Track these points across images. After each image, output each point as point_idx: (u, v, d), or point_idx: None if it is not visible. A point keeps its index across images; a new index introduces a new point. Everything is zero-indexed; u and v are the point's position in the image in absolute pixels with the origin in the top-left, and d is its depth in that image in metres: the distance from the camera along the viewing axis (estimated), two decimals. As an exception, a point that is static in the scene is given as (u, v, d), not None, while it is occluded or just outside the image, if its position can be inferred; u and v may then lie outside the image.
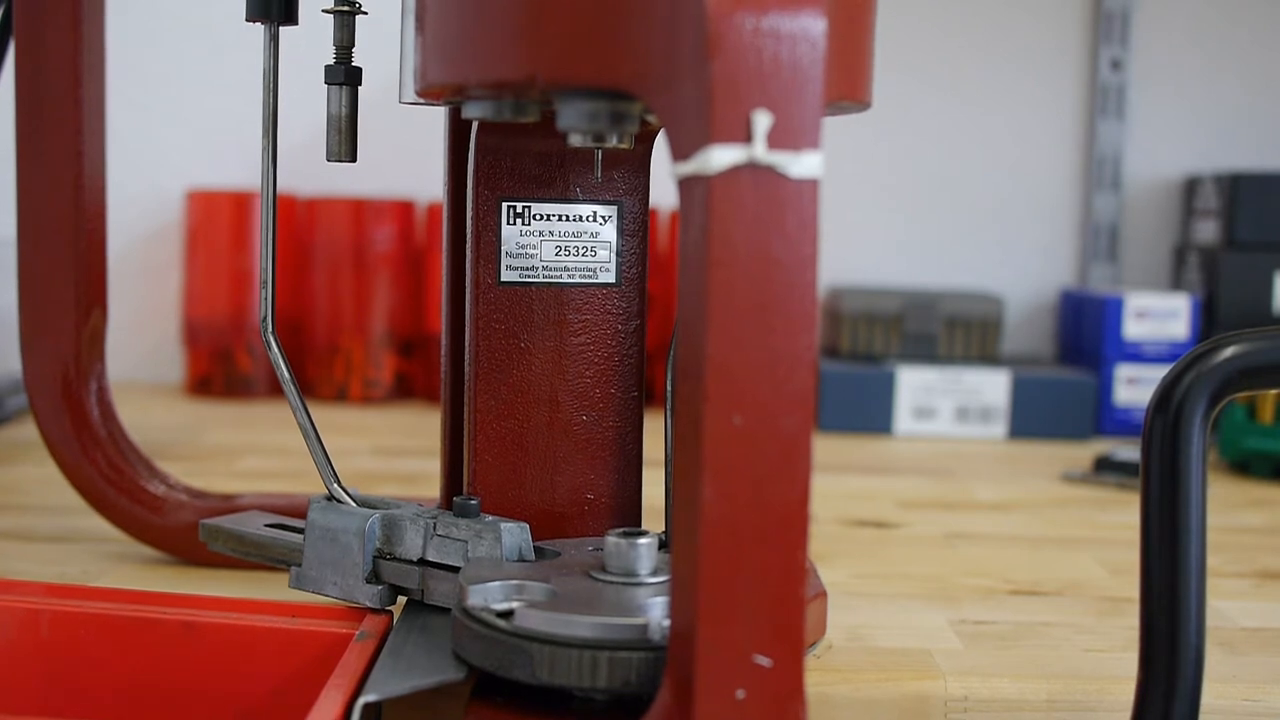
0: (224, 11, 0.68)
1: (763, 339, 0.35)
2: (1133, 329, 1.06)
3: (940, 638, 0.55)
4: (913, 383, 1.05)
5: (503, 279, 0.49)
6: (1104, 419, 1.07)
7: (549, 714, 0.41)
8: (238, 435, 0.96)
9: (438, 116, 0.51)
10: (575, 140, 0.42)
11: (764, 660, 0.35)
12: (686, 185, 0.35)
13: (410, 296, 1.13)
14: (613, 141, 0.41)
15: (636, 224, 0.50)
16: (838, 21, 0.39)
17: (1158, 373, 1.06)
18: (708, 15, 0.34)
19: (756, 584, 0.35)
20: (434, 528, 0.47)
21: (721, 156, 0.34)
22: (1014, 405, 1.05)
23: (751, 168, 0.34)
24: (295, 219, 1.13)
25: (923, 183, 1.19)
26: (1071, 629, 0.57)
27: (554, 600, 0.41)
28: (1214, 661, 0.53)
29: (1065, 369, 1.10)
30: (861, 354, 1.10)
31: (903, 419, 1.05)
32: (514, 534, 0.46)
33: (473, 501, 0.47)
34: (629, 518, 0.51)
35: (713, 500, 0.35)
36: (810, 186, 0.35)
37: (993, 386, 1.05)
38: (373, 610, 0.48)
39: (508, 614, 0.41)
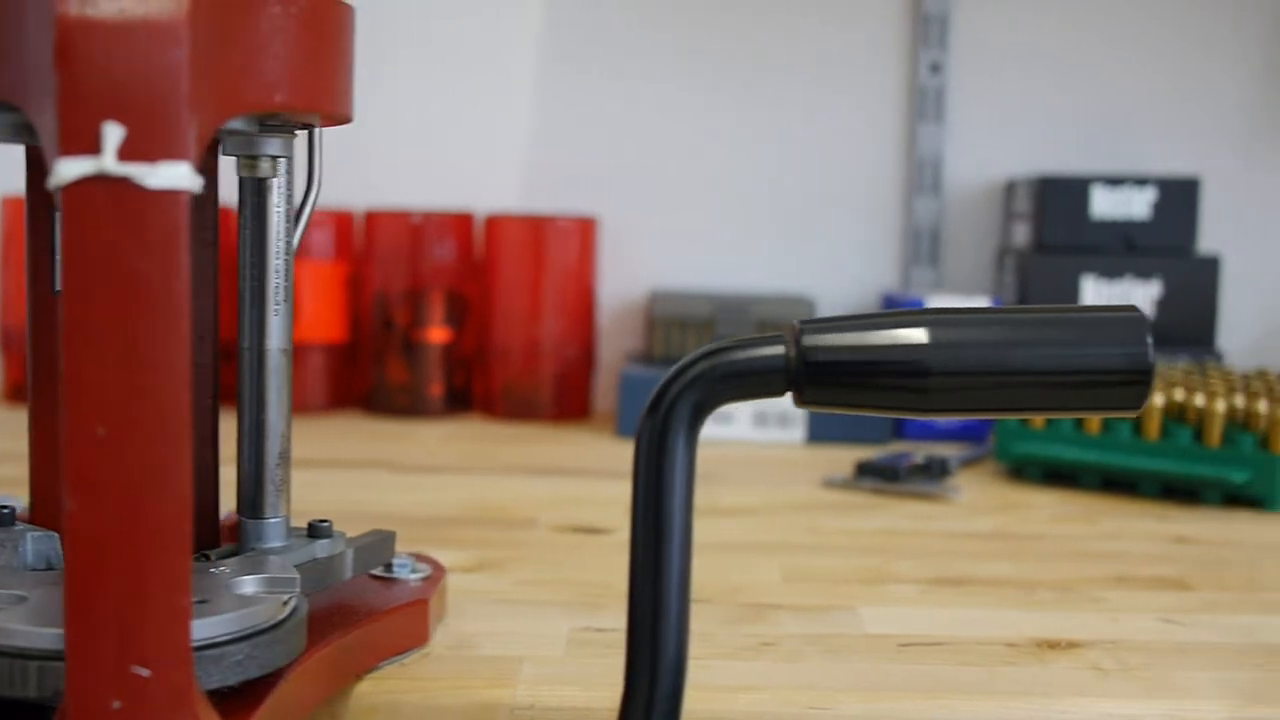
0: None
1: (126, 351, 0.35)
2: (934, 333, 1.06)
3: (548, 645, 0.55)
4: (710, 387, 1.04)
5: (59, 288, 0.49)
6: (906, 423, 1.07)
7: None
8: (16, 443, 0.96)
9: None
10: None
11: (143, 671, 0.35)
12: (54, 198, 0.35)
13: (229, 301, 1.13)
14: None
15: (209, 233, 0.50)
16: (270, 30, 0.39)
17: (958, 376, 1.06)
18: (57, 24, 0.34)
19: (131, 596, 0.35)
20: (-32, 537, 0.47)
21: (71, 168, 0.34)
22: (812, 409, 1.04)
23: (103, 180, 0.34)
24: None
25: (744, 187, 1.19)
26: (694, 636, 0.57)
27: (16, 610, 0.41)
28: (805, 666, 0.53)
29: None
30: (674, 359, 1.10)
31: (701, 423, 1.04)
32: (40, 542, 0.46)
33: (5, 510, 0.47)
34: (206, 530, 0.51)
35: (78, 512, 0.35)
36: (173, 197, 0.35)
37: (790, 391, 1.04)
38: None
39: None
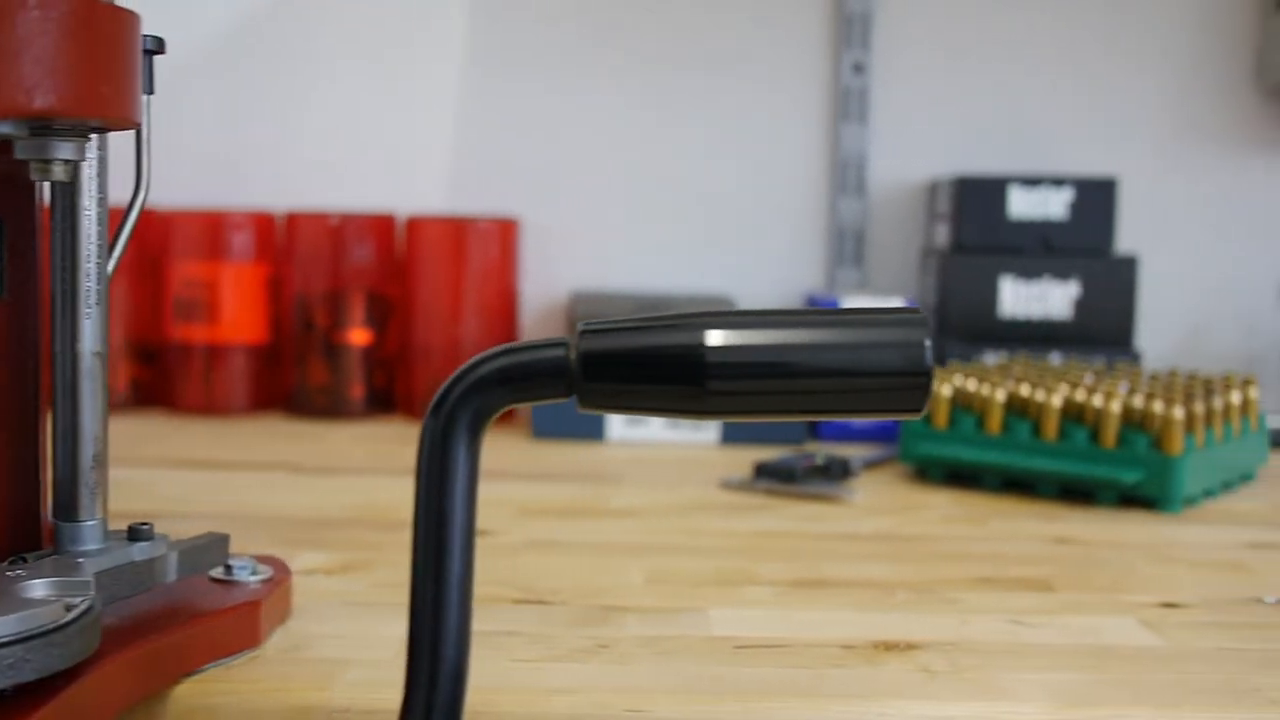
0: None
1: None
2: (849, 333, 1.05)
3: (382, 648, 0.55)
4: (624, 388, 1.04)
5: None
6: (822, 423, 1.07)
7: None
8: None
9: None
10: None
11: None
12: None
13: (150, 303, 1.13)
14: None
15: (26, 240, 0.50)
16: (27, 34, 0.39)
17: (873, 377, 1.06)
18: None
19: None
20: None
21: None
22: (726, 410, 1.04)
23: None
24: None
25: (669, 187, 1.19)
26: (530, 638, 0.57)
27: None
28: (633, 669, 0.53)
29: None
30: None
31: (615, 425, 1.04)
32: None
33: None
34: (27, 534, 0.51)
35: None
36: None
37: (704, 392, 1.04)
38: None
39: None
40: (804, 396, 0.42)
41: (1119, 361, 1.06)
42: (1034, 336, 1.09)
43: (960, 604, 0.63)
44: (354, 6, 1.20)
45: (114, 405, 1.12)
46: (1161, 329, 1.17)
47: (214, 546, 0.55)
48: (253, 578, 0.57)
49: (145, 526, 0.51)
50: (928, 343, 0.42)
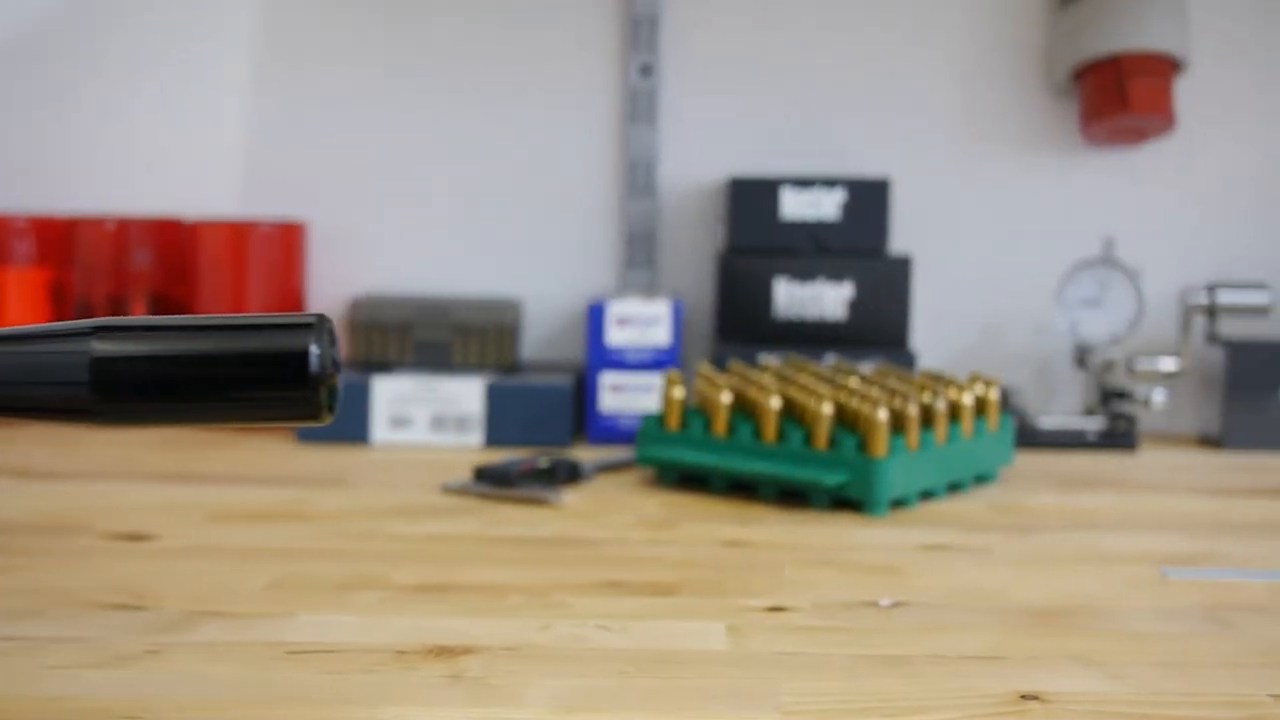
0: None
1: None
2: (615, 336, 1.06)
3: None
4: (388, 392, 1.04)
5: None
6: (592, 426, 1.06)
7: None
8: None
9: None
10: None
11: None
12: None
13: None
14: None
15: None
16: None
17: (640, 380, 1.06)
18: None
19: None
20: None
21: None
22: (490, 413, 1.04)
23: None
24: None
25: (461, 190, 1.19)
26: (85, 645, 0.57)
27: None
28: (163, 675, 0.53)
29: (557, 376, 1.08)
30: (375, 363, 1.10)
31: (379, 428, 1.04)
32: None
33: None
34: None
35: None
36: None
37: (468, 395, 1.04)
38: None
39: None
40: (194, 408, 0.42)
41: (889, 363, 1.05)
42: (809, 338, 1.09)
43: (562, 608, 0.63)
44: (142, 8, 1.20)
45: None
46: (951, 330, 1.16)
47: None
48: None
49: None
50: (314, 350, 0.42)
